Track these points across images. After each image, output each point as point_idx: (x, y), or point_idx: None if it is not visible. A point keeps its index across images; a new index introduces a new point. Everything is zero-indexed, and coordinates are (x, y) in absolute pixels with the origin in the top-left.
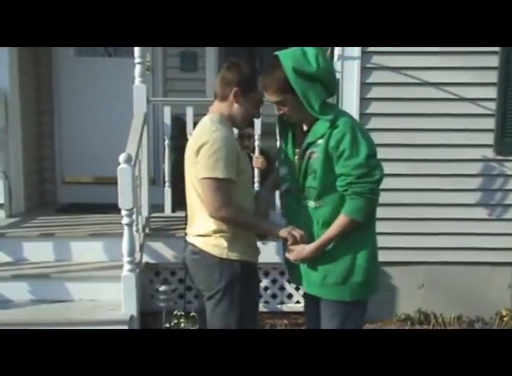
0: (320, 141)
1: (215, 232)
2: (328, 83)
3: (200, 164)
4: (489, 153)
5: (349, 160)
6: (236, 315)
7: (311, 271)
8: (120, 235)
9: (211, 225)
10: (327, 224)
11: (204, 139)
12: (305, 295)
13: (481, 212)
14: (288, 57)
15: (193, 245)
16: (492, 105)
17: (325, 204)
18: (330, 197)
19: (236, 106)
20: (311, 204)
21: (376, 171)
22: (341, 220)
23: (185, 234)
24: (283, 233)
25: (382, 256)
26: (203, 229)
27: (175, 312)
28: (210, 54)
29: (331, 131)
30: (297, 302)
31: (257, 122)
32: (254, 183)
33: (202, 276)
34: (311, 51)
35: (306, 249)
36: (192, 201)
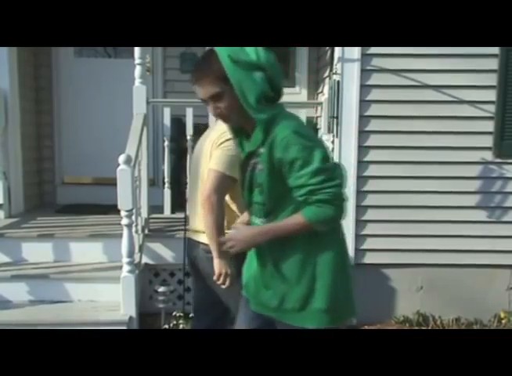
0: (262, 150)
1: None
2: (271, 75)
3: (216, 157)
4: (488, 155)
5: (304, 169)
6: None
7: (265, 292)
8: (120, 236)
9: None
10: (279, 245)
11: (226, 137)
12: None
13: (480, 214)
14: (224, 48)
15: (207, 244)
16: (492, 108)
17: (275, 222)
18: (282, 214)
19: None
20: (257, 221)
21: (335, 174)
22: (299, 220)
23: (184, 233)
24: (220, 267)
25: (381, 258)
26: None
27: (174, 313)
28: None
29: (273, 140)
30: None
31: None
32: None
33: None
34: (249, 47)
35: (241, 238)
36: None
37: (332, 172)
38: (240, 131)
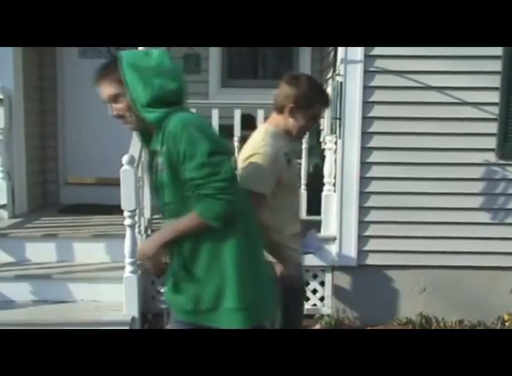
0: (159, 148)
1: None
2: (171, 81)
3: (241, 173)
4: (491, 157)
5: (191, 162)
6: None
7: (179, 297)
8: (123, 236)
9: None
10: (186, 247)
11: (250, 152)
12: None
13: (484, 216)
14: (126, 52)
15: None
16: (495, 109)
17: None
18: (187, 211)
19: (291, 120)
20: (169, 223)
21: (221, 168)
22: (193, 215)
23: None
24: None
25: (384, 259)
26: None
27: None
28: (214, 56)
29: (166, 134)
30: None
31: (261, 117)
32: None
33: None
34: (154, 51)
35: (147, 242)
36: None
37: (217, 166)
38: (146, 134)
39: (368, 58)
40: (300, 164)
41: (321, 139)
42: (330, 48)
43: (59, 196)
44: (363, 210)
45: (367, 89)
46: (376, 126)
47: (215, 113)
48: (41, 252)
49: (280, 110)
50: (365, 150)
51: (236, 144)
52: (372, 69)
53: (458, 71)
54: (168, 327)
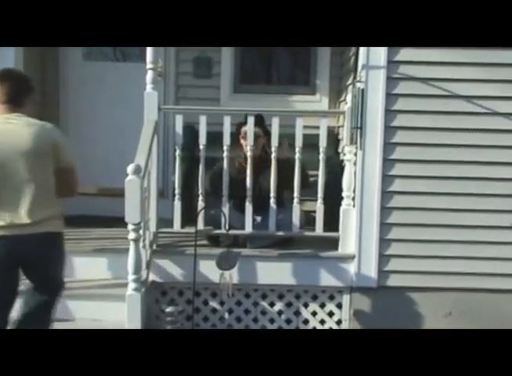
0: None
1: None
2: None
3: None
4: None
5: None
6: None
7: None
8: (126, 251)
9: None
10: None
11: None
12: None
13: None
14: None
15: None
16: None
17: None
18: None
19: None
20: None
21: None
22: None
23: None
24: None
25: (406, 281)
26: None
27: None
28: (226, 60)
29: None
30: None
31: (276, 126)
32: None
33: None
34: None
35: None
36: None
37: None
38: None
39: (391, 64)
40: (316, 175)
41: (339, 150)
42: (351, 52)
43: None
44: (385, 226)
45: (390, 97)
46: (399, 136)
47: (227, 121)
48: None
49: None
50: (388, 162)
51: (249, 153)
52: (395, 75)
53: (487, 79)
54: None
